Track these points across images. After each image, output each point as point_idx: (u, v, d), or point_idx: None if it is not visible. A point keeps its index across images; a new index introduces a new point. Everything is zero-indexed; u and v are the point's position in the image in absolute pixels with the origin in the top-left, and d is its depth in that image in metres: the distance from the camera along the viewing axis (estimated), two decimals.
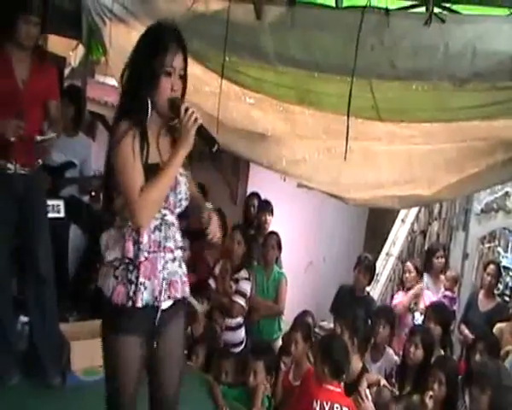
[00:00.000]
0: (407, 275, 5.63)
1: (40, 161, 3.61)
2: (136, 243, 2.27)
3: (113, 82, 6.92)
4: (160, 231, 2.31)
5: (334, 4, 3.57)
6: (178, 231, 2.40)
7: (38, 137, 3.38)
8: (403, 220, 7.25)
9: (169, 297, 2.36)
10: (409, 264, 5.77)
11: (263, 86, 4.13)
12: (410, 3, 3.35)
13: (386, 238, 7.25)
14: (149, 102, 2.24)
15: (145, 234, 2.27)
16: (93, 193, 5.62)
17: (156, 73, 2.21)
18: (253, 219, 6.13)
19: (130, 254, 2.26)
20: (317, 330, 5.40)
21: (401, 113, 3.72)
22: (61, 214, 4.43)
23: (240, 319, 4.81)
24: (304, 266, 7.18)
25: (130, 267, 2.27)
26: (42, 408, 3.49)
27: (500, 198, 7.98)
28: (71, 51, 6.52)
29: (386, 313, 4.87)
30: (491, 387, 3.37)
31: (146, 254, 2.27)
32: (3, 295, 3.60)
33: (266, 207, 6.09)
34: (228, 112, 4.35)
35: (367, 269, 5.29)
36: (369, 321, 4.61)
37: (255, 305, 5.13)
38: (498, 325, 5.09)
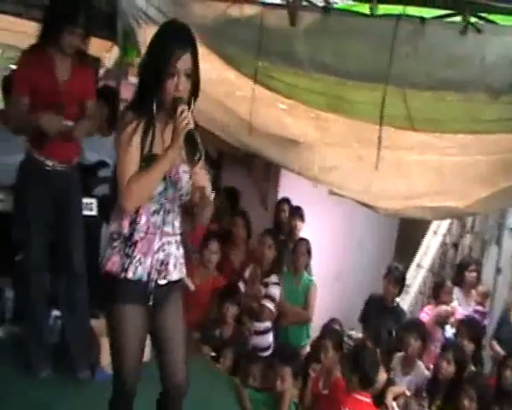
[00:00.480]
0: (444, 294, 5.52)
1: (76, 159, 3.70)
2: (133, 222, 2.41)
3: None
4: (159, 215, 2.45)
5: (368, 12, 3.55)
6: (178, 219, 2.54)
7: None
8: (435, 232, 7.16)
9: (164, 277, 2.49)
10: (449, 284, 5.64)
11: (295, 92, 4.14)
12: (445, 12, 3.32)
13: (417, 249, 7.17)
14: (154, 100, 2.36)
15: (143, 215, 2.41)
16: None
17: (160, 74, 2.32)
18: (283, 225, 6.13)
19: (125, 231, 2.41)
20: (345, 339, 5.37)
21: (434, 123, 3.68)
22: (94, 212, 4.50)
23: (268, 324, 4.82)
24: (333, 273, 7.14)
25: (128, 243, 2.41)
26: (71, 401, 3.53)
27: None
28: (105, 52, 6.61)
29: (418, 326, 4.79)
30: None
31: (142, 234, 2.42)
32: (39, 289, 3.68)
33: (297, 212, 6.09)
34: (260, 117, 4.37)
35: (397, 279, 5.23)
36: (396, 332, 4.57)
37: (284, 311, 5.13)
38: None
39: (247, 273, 5.11)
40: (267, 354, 4.72)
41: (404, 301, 6.46)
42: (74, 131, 3.51)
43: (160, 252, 2.47)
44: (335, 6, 3.76)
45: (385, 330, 4.35)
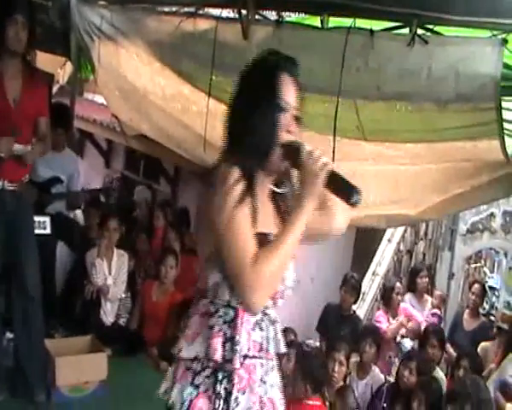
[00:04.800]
0: (396, 296, 5.54)
1: (27, 176, 3.63)
2: (229, 341, 1.67)
3: (101, 100, 6.97)
4: (262, 329, 1.74)
5: (319, 25, 3.61)
6: (280, 331, 1.83)
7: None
8: (389, 240, 7.29)
9: None
10: (398, 284, 5.69)
11: None
12: (394, 25, 3.40)
13: (373, 258, 7.28)
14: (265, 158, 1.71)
15: (243, 330, 1.68)
16: (82, 207, 5.65)
17: (274, 118, 1.72)
18: None
19: (217, 357, 1.66)
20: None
21: (386, 133, 3.75)
22: (48, 231, 4.42)
23: None
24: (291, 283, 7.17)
25: (219, 375, 1.67)
26: None
27: (485, 218, 8.05)
28: (59, 68, 6.53)
29: (373, 332, 4.88)
30: (470, 404, 3.41)
31: (241, 358, 1.68)
32: None
33: None
34: (215, 131, 4.36)
35: (353, 288, 5.31)
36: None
37: None
38: (483, 344, 5.13)
39: None
40: None
41: (361, 309, 6.54)
42: (26, 158, 3.44)
43: (263, 385, 1.74)
44: (288, 19, 3.81)
45: (343, 338, 4.40)
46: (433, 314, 5.84)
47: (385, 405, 4.28)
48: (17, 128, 3.35)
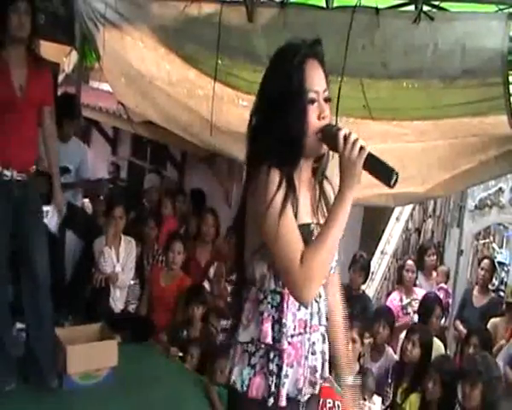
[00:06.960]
0: (409, 274, 5.54)
1: (34, 167, 3.64)
2: (277, 323, 1.81)
3: (107, 87, 6.96)
4: (306, 307, 1.86)
5: (324, 5, 3.58)
6: (325, 304, 1.97)
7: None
8: (397, 218, 7.28)
9: (313, 386, 1.91)
10: (410, 262, 5.66)
11: (255, 88, 4.13)
12: (399, 2, 3.37)
13: (381, 237, 7.28)
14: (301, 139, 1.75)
15: (289, 313, 1.81)
16: (101, 197, 5.67)
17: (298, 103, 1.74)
18: None
19: (269, 339, 1.81)
20: None
21: (393, 111, 3.74)
22: None
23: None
24: None
25: (271, 354, 1.82)
26: None
27: (494, 194, 8.01)
28: (64, 57, 6.52)
29: (386, 313, 4.87)
30: (482, 382, 3.41)
31: (289, 338, 1.82)
32: (0, 302, 3.62)
33: None
34: (222, 115, 4.37)
35: (362, 268, 5.30)
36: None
37: None
38: (493, 320, 5.12)
39: (211, 272, 5.10)
40: None
41: (370, 289, 6.55)
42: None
43: (310, 356, 1.88)
44: (292, 0, 3.78)
45: (353, 316, 4.41)
46: (440, 289, 5.85)
47: (390, 380, 4.30)
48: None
